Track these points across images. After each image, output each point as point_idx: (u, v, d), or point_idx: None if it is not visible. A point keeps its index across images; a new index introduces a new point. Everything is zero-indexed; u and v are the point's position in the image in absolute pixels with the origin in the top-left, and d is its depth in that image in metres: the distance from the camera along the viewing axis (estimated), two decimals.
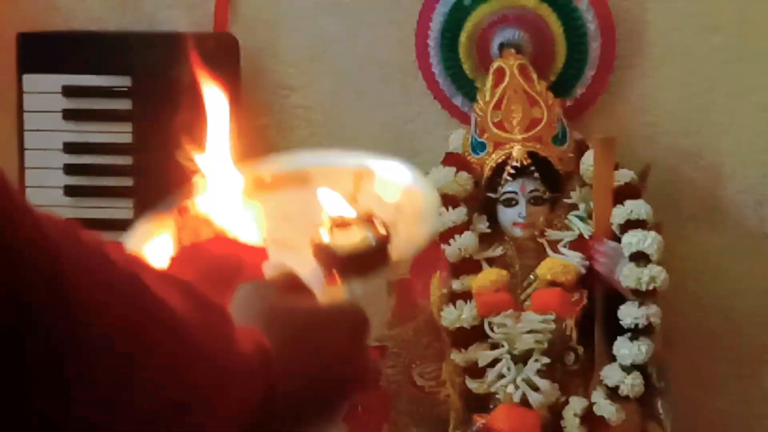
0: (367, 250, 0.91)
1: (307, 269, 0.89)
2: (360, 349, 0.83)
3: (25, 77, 1.97)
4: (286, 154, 1.00)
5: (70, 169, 1.97)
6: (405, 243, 0.93)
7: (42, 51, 1.98)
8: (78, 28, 2.02)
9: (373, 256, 0.91)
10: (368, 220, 0.92)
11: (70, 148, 1.97)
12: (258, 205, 0.97)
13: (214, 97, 0.97)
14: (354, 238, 0.91)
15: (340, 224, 0.92)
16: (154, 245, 0.95)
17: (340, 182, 0.96)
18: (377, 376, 0.85)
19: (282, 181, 0.98)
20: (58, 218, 0.67)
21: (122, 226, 1.94)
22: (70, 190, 1.98)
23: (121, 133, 1.96)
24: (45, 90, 1.97)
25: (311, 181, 0.97)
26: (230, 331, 0.73)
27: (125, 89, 1.96)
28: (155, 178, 1.95)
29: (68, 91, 1.96)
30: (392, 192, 0.97)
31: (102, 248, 0.68)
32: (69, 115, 1.97)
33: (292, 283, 0.84)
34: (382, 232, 0.91)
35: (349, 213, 0.94)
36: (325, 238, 0.91)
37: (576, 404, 1.76)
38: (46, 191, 1.97)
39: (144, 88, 1.95)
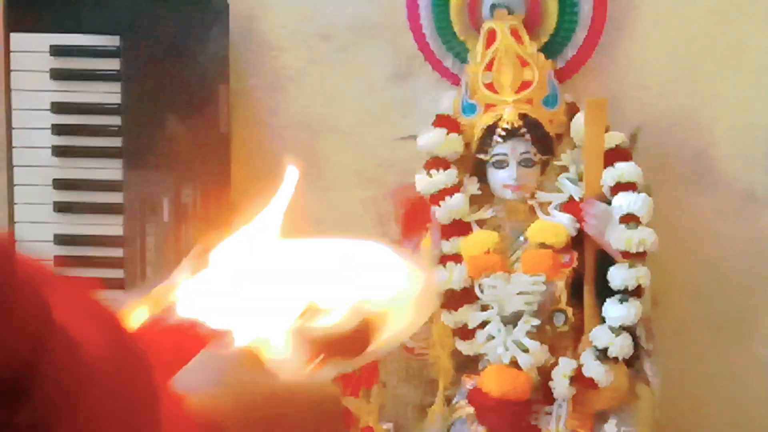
0: (346, 335, 0.89)
1: (282, 351, 0.87)
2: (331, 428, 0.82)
3: (13, 36, 1.95)
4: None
5: (57, 129, 1.96)
6: (395, 330, 0.91)
7: (30, 10, 1.95)
8: None
9: (352, 341, 0.90)
10: (352, 305, 0.92)
11: (57, 107, 1.96)
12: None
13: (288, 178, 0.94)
14: (333, 322, 0.90)
15: (319, 309, 0.90)
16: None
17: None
18: None
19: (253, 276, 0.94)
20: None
21: (110, 187, 1.96)
22: (58, 151, 1.96)
23: (109, 94, 1.95)
24: (33, 49, 1.95)
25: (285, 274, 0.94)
26: (149, 385, 0.69)
27: (114, 49, 1.94)
28: (144, 139, 1.94)
29: (56, 51, 1.95)
30: (389, 277, 0.94)
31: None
32: (57, 74, 1.95)
33: (253, 359, 0.83)
34: (366, 317, 0.90)
35: (331, 297, 0.91)
36: (302, 322, 0.89)
37: (565, 365, 1.76)
38: (33, 151, 1.96)
39: (133, 48, 1.93)
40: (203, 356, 0.81)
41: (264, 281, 0.91)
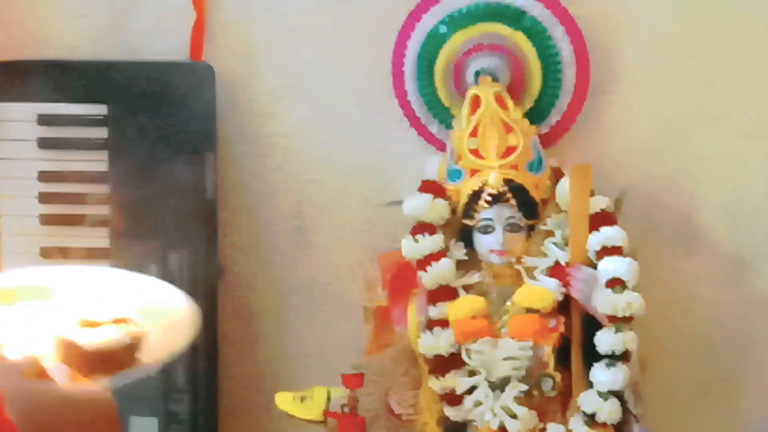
0: (114, 349, 0.97)
1: (56, 364, 0.94)
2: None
3: (0, 105, 1.96)
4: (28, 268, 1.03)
5: (44, 198, 1.96)
6: (158, 348, 1.00)
7: (17, 79, 1.97)
8: (53, 56, 2.02)
9: (120, 355, 0.97)
10: (119, 321, 0.98)
11: (44, 176, 1.96)
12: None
13: None
14: (102, 337, 0.97)
15: (89, 324, 0.98)
16: None
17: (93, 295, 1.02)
18: None
19: (24, 294, 1.01)
20: None
21: (99, 255, 1.96)
22: (45, 219, 1.96)
23: (96, 162, 1.95)
24: (20, 118, 1.96)
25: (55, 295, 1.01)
26: None
27: (101, 118, 1.95)
28: (130, 207, 1.95)
29: (43, 120, 1.96)
30: (147, 304, 1.03)
31: None
32: (44, 143, 1.96)
33: (36, 368, 0.91)
34: (133, 333, 0.97)
35: (100, 314, 0.99)
36: (73, 336, 0.96)
37: (554, 431, 1.76)
38: (20, 220, 1.96)
39: (120, 116, 1.95)
40: None
41: (37, 298, 0.98)
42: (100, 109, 1.95)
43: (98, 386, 0.93)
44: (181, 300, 1.06)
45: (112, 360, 0.97)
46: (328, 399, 1.86)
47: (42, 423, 0.84)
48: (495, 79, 1.88)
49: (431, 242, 1.84)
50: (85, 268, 1.05)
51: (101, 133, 1.96)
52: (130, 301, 1.02)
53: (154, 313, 1.02)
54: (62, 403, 0.88)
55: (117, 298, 1.01)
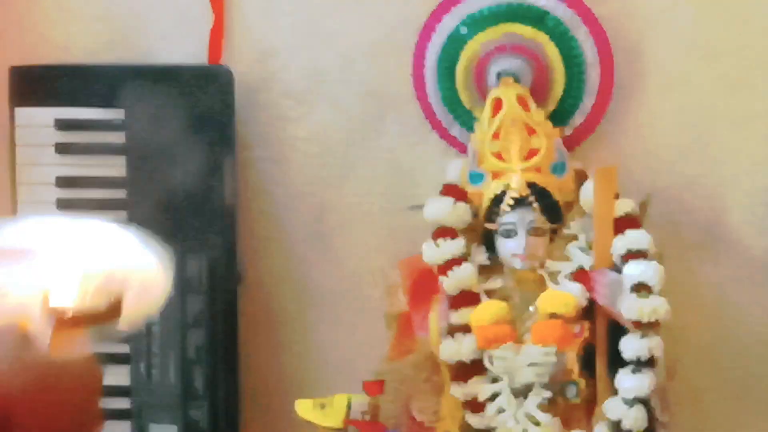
0: (95, 311, 1.02)
1: (42, 328, 0.97)
2: (91, 398, 0.95)
3: (18, 110, 1.96)
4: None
5: (62, 204, 1.96)
6: (133, 309, 1.05)
7: (34, 84, 1.97)
8: (71, 61, 2.01)
9: (100, 315, 1.02)
10: (97, 281, 1.02)
11: (62, 182, 1.96)
12: None
13: None
14: (82, 299, 1.01)
15: (69, 287, 1.01)
16: None
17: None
18: (101, 423, 1.00)
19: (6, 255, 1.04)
20: None
21: None
22: None
23: (114, 167, 1.95)
24: (37, 123, 1.96)
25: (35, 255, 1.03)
26: None
27: (119, 122, 1.94)
28: (149, 212, 1.94)
29: (61, 125, 1.95)
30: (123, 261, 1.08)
31: None
32: (62, 148, 1.96)
33: (19, 336, 0.93)
34: (110, 298, 1.03)
35: (77, 274, 1.02)
36: (54, 300, 1.00)
37: None
38: None
39: (137, 121, 1.94)
40: None
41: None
42: (117, 114, 1.95)
43: (84, 353, 0.98)
44: (154, 260, 1.13)
45: (93, 320, 1.01)
46: (349, 406, 1.85)
47: (27, 392, 0.87)
48: (517, 81, 1.86)
49: (453, 247, 1.82)
50: (60, 221, 1.07)
51: (119, 137, 1.95)
52: (106, 257, 1.05)
53: (131, 273, 1.07)
54: (47, 370, 0.91)
55: (94, 254, 1.04)
